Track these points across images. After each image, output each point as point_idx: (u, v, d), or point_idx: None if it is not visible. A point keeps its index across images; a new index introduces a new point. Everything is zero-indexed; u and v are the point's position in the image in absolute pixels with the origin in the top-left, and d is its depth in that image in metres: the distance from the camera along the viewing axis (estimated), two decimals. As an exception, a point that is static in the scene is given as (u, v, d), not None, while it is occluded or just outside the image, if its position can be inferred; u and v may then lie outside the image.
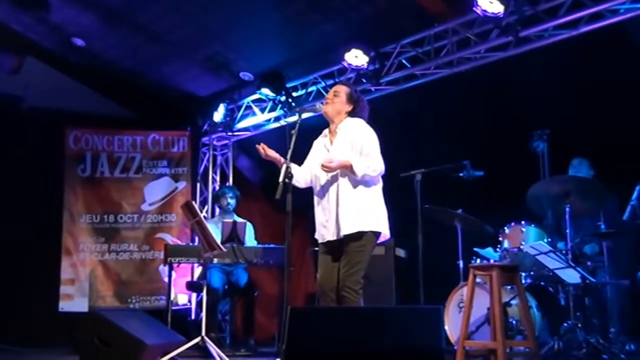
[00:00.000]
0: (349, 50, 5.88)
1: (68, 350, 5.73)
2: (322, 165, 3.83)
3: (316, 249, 4.09)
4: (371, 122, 4.09)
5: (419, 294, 4.76)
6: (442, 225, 5.34)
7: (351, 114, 4.07)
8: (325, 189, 3.96)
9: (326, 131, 4.16)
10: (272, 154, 4.03)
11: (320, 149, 4.13)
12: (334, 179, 3.92)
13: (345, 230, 3.82)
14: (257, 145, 4.08)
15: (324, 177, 3.97)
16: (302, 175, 4.10)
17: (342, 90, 4.09)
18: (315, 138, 4.23)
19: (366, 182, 3.91)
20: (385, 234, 3.98)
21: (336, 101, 4.05)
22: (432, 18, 5.66)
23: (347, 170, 3.84)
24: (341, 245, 3.87)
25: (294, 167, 4.01)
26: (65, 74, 7.36)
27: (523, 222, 4.99)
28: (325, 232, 3.94)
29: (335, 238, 3.87)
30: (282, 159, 3.89)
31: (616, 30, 4.87)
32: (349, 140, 3.96)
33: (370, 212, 3.91)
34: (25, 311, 6.91)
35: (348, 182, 3.89)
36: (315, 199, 4.06)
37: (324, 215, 3.95)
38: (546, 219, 4.76)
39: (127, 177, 7.56)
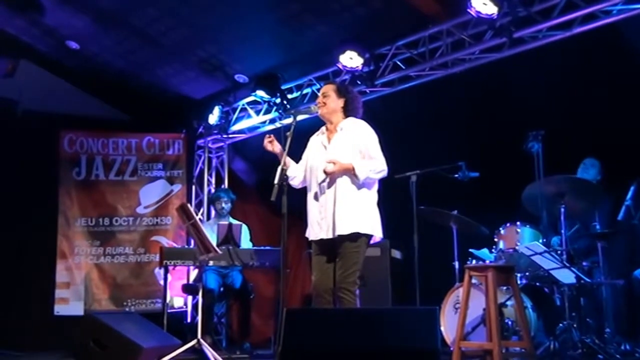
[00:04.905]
0: (343, 52, 5.88)
1: (64, 354, 5.69)
2: (325, 170, 3.84)
3: (311, 250, 4.08)
4: (366, 122, 4.11)
5: (415, 295, 4.77)
6: (438, 226, 5.34)
7: (346, 109, 4.09)
8: (322, 186, 3.95)
9: (323, 128, 4.17)
10: (277, 149, 4.03)
11: (317, 147, 4.13)
12: (332, 177, 3.91)
13: (341, 230, 3.82)
14: (266, 135, 4.08)
15: (321, 175, 3.96)
16: (299, 172, 4.11)
17: (330, 88, 4.12)
18: (311, 139, 4.25)
19: (365, 184, 3.92)
20: (378, 236, 4.00)
21: (328, 101, 4.07)
22: (426, 19, 5.67)
23: (350, 173, 3.86)
24: (334, 245, 3.87)
25: (292, 164, 4.06)
26: (60, 77, 7.36)
27: (518, 223, 5.01)
28: (318, 229, 3.93)
29: (329, 237, 3.86)
30: (285, 155, 3.91)
31: (609, 30, 4.89)
32: (351, 141, 3.96)
33: (367, 214, 3.92)
34: (21, 315, 6.89)
35: (347, 182, 3.89)
36: (310, 195, 4.05)
37: (320, 213, 3.94)
38: (541, 219, 4.77)
39: (122, 180, 7.55)
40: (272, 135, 4.09)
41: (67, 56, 7.08)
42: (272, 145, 4.06)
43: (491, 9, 5.01)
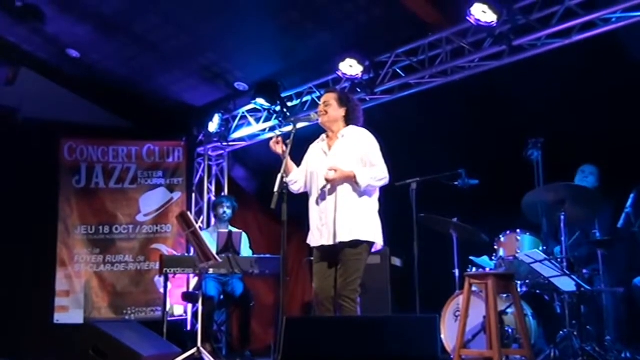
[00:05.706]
0: (343, 60, 5.90)
1: (63, 362, 5.70)
2: (326, 177, 3.85)
3: (312, 258, 4.08)
4: (366, 130, 4.11)
5: (415, 302, 4.76)
6: (438, 233, 5.34)
7: (347, 118, 4.10)
8: (324, 192, 3.96)
9: (323, 136, 4.18)
10: (283, 149, 3.98)
11: (317, 153, 4.13)
12: (333, 184, 3.91)
13: (341, 237, 3.83)
14: (276, 136, 4.07)
15: (322, 181, 3.96)
16: (300, 177, 4.11)
17: (331, 97, 4.12)
18: (311, 147, 4.25)
19: (366, 192, 3.92)
20: (379, 244, 3.99)
21: (329, 110, 4.08)
22: (426, 27, 5.69)
23: (351, 180, 3.85)
24: (336, 252, 3.87)
25: (294, 168, 4.06)
26: (60, 85, 7.37)
27: (518, 231, 5.01)
28: (319, 236, 3.94)
29: (329, 243, 3.86)
30: (285, 162, 3.90)
31: (608, 38, 4.91)
32: (353, 149, 3.97)
33: (368, 221, 3.92)
34: (20, 323, 6.87)
35: (348, 189, 3.90)
36: (312, 201, 4.05)
37: (321, 220, 3.94)
38: (541, 227, 4.77)
39: (122, 187, 7.55)
40: (280, 137, 4.08)
41: (68, 64, 7.10)
42: (278, 147, 4.02)
43: (491, 17, 5.03)
